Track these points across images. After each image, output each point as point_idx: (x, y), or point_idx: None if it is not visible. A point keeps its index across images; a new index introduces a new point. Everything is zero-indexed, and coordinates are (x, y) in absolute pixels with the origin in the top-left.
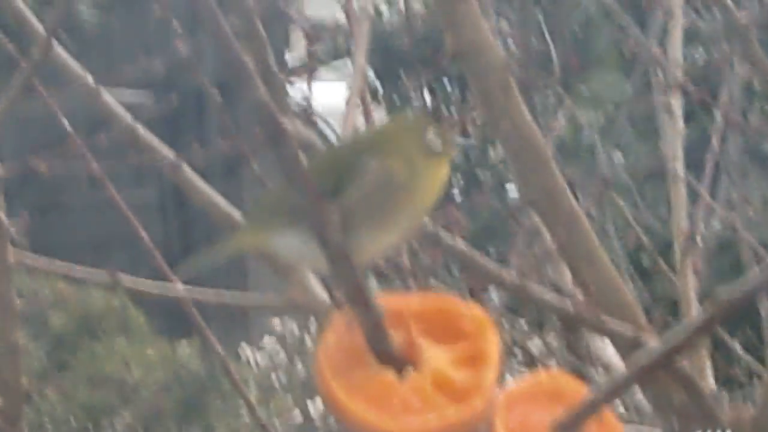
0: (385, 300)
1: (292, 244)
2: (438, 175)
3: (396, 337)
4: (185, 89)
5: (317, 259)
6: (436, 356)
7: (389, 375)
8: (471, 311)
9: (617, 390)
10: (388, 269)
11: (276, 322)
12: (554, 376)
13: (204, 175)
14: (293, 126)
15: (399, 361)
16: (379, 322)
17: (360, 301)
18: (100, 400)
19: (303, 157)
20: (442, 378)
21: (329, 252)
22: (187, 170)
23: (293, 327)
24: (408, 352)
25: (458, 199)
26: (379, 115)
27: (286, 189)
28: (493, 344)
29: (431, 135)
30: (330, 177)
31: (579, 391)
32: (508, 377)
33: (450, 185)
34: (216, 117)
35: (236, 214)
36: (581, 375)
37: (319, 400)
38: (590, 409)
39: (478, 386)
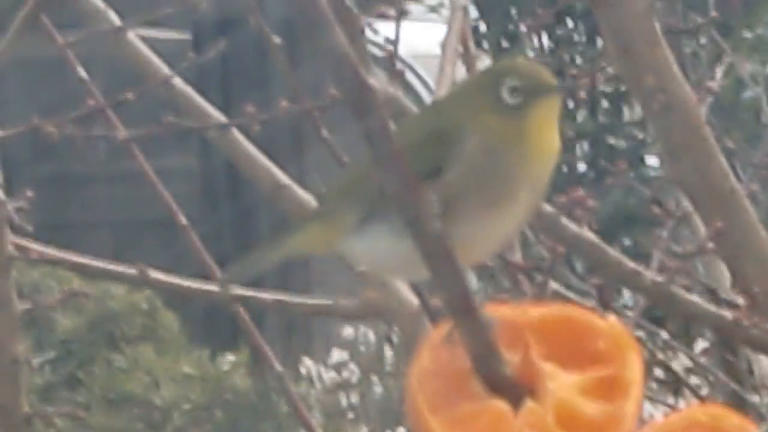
0: (497, 311)
1: (376, 244)
2: (538, 132)
3: (510, 359)
4: (237, 33)
5: (410, 264)
6: (562, 383)
7: (501, 407)
8: (607, 325)
9: None
10: (494, 268)
11: (348, 331)
12: (713, 410)
13: (261, 146)
14: (380, 84)
15: (514, 390)
16: (490, 340)
17: (465, 311)
18: (121, 426)
19: (392, 127)
20: (568, 411)
21: (427, 247)
22: (239, 137)
23: (369, 337)
24: (525, 377)
25: (585, 174)
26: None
27: (367, 169)
28: (635, 369)
29: (509, 85)
30: (421, 154)
31: (744, 430)
32: (648, 407)
33: (575, 157)
34: (277, 71)
35: (303, 196)
36: (741, 404)
37: (401, 430)
38: None
39: (614, 422)
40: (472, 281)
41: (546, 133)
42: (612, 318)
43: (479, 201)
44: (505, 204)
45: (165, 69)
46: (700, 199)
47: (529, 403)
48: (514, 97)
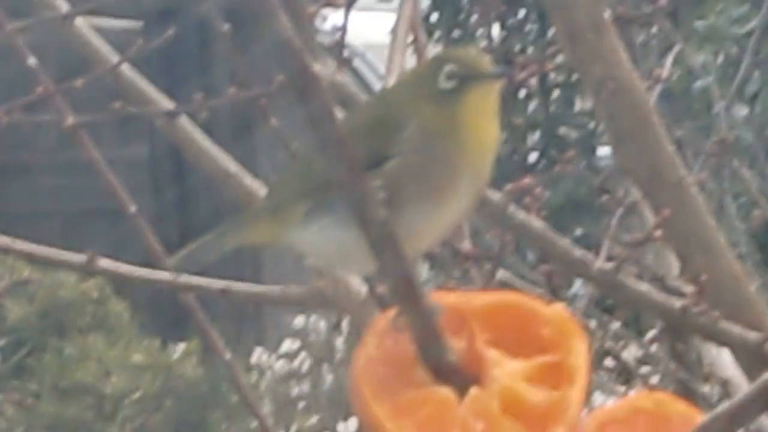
0: (442, 298)
1: (322, 235)
2: (474, 116)
3: (456, 346)
4: (185, 20)
5: (356, 255)
6: (507, 370)
7: (446, 394)
8: (552, 312)
9: (740, 416)
10: (443, 256)
11: (298, 320)
12: (658, 397)
13: (208, 132)
14: (326, 70)
15: (459, 377)
16: (435, 327)
17: (410, 298)
18: (71, 415)
19: (337, 113)
20: (513, 398)
21: (371, 234)
22: (186, 124)
23: (320, 327)
24: (470, 364)
25: (535, 164)
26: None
27: (312, 159)
28: (580, 356)
29: (447, 70)
30: (368, 145)
31: (689, 417)
32: (597, 396)
33: (525, 147)
34: (224, 57)
35: (250, 184)
36: (690, 393)
37: (352, 421)
38: None
39: (559, 409)
40: (421, 270)
41: (482, 120)
42: (557, 305)
43: (420, 188)
44: (445, 191)
45: (113, 57)
46: (649, 187)
47: (474, 390)
48: (449, 82)
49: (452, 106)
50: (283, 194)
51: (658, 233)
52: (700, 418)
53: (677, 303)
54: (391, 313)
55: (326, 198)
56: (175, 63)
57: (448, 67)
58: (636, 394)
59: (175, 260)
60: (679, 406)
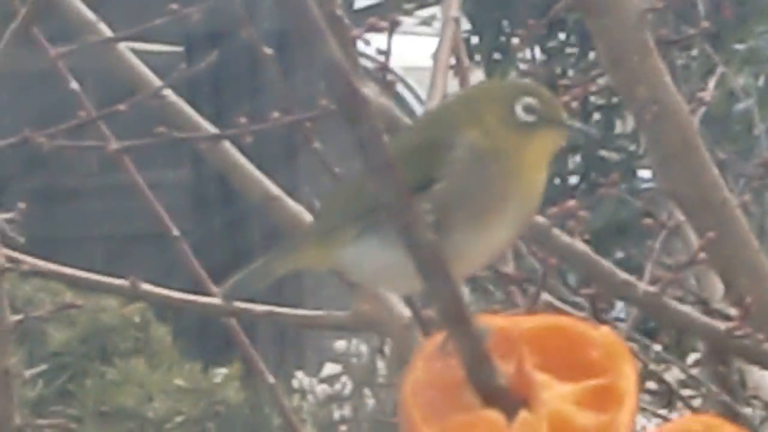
0: (490, 321)
1: (368, 255)
2: (537, 154)
3: (504, 369)
4: (228, 44)
5: (403, 275)
6: (556, 394)
7: (495, 417)
8: (601, 335)
9: None
10: (486, 279)
11: (340, 344)
12: (707, 421)
13: (252, 157)
14: (373, 95)
15: (507, 400)
16: (483, 350)
17: (459, 322)
18: None
19: (385, 137)
20: (563, 421)
21: (420, 257)
22: (230, 148)
23: (362, 351)
24: (519, 388)
25: (576, 187)
26: (477, 76)
27: (358, 182)
28: (628, 379)
29: (526, 102)
30: (415, 167)
31: None
32: (641, 419)
33: (566, 169)
34: (268, 83)
35: (293, 208)
36: (734, 416)
37: None
38: None
39: None
40: (465, 293)
41: (541, 160)
42: (605, 328)
43: (467, 211)
44: (493, 216)
45: (156, 81)
46: (692, 209)
47: (523, 414)
48: (528, 114)
49: (523, 136)
50: (331, 217)
51: (702, 255)
52: None
53: (722, 326)
54: (439, 336)
55: (375, 220)
56: (218, 88)
57: (528, 100)
58: (685, 417)
59: (225, 288)
60: (729, 429)
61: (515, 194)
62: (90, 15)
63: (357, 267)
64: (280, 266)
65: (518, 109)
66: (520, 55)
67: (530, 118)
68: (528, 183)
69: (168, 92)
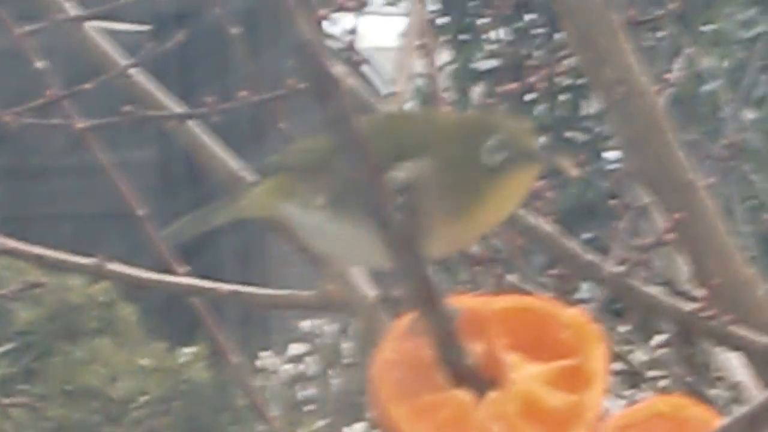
0: (460, 301)
1: (329, 225)
2: (504, 196)
3: (473, 349)
4: (196, 23)
5: (364, 248)
6: (525, 374)
7: (464, 397)
8: (571, 317)
9: (760, 418)
10: (452, 259)
11: (305, 324)
12: (675, 401)
13: (220, 136)
14: (342, 74)
15: (477, 380)
16: (453, 330)
17: (428, 302)
18: (78, 418)
19: (356, 117)
20: (532, 401)
21: (391, 236)
22: (196, 127)
23: (327, 331)
24: (488, 367)
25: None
26: (444, 57)
27: (326, 147)
28: (598, 359)
29: (500, 140)
30: (384, 153)
31: (707, 421)
32: (607, 400)
33: None
34: (236, 61)
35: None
36: (699, 397)
37: (359, 425)
38: None
39: (578, 413)
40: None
41: (510, 199)
42: (576, 309)
43: (431, 215)
44: (449, 230)
45: (124, 60)
46: (659, 191)
47: (492, 394)
48: (493, 156)
49: (488, 180)
50: (291, 170)
51: (669, 236)
52: (718, 421)
53: (688, 306)
54: (409, 316)
55: (341, 191)
56: (185, 67)
57: (493, 140)
58: (654, 398)
59: (173, 228)
60: (697, 410)
61: (470, 223)
62: None
63: (317, 234)
64: (229, 211)
65: (483, 152)
66: (487, 35)
67: (494, 160)
68: (486, 217)
69: (135, 71)
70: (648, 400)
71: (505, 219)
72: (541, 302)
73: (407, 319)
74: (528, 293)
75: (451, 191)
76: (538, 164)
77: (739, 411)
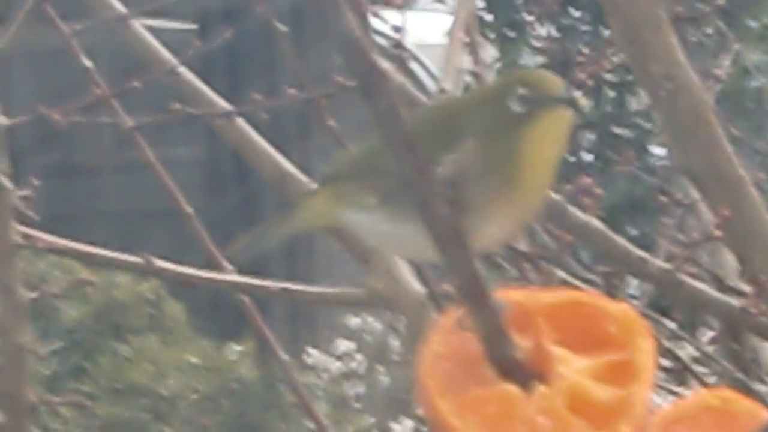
0: (508, 295)
1: (383, 224)
2: (541, 139)
3: (521, 344)
4: (243, 21)
5: (417, 244)
6: (574, 368)
7: (513, 391)
8: (619, 310)
9: None
10: (501, 256)
11: (353, 321)
12: (724, 395)
13: (267, 134)
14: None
15: (525, 374)
16: (500, 324)
17: (476, 296)
18: (127, 416)
19: (403, 113)
20: (579, 396)
21: (437, 232)
22: (244, 125)
23: (375, 327)
24: (536, 362)
25: (590, 164)
26: (490, 52)
27: (375, 149)
28: (646, 354)
29: (517, 94)
30: (425, 150)
31: (756, 414)
32: (654, 396)
33: (579, 146)
34: (283, 60)
35: (306, 182)
36: (748, 393)
37: (406, 421)
38: None
39: (625, 407)
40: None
41: (548, 145)
42: (623, 303)
43: (483, 191)
44: (500, 203)
45: (171, 58)
46: (707, 187)
47: (540, 388)
48: (519, 106)
49: (520, 130)
50: (345, 178)
51: (718, 232)
52: (766, 415)
53: (736, 303)
54: (456, 311)
55: (394, 190)
56: (232, 65)
57: (519, 91)
58: (702, 392)
59: (234, 247)
60: (745, 403)
61: (518, 181)
62: None
63: (373, 234)
64: (289, 224)
65: (511, 104)
66: (533, 32)
67: (522, 109)
68: (531, 169)
69: (182, 69)
70: (697, 394)
71: (552, 169)
72: (589, 297)
73: (455, 314)
74: (576, 289)
75: (495, 158)
76: (567, 106)
77: None
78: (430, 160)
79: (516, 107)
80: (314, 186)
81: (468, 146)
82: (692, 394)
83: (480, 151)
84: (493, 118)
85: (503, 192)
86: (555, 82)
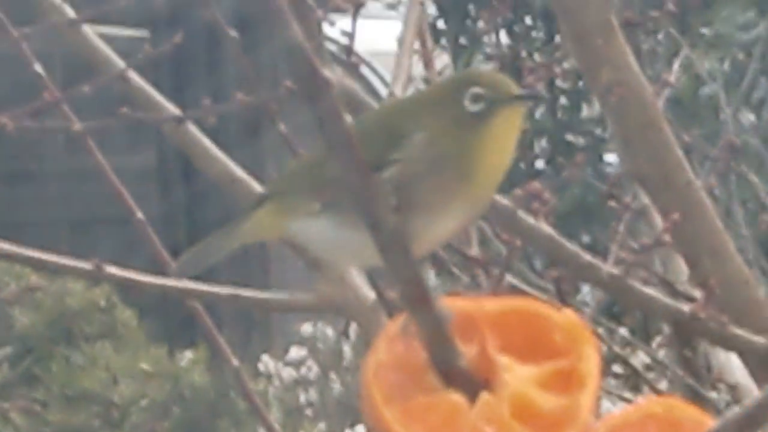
0: (452, 303)
1: (327, 231)
2: (494, 138)
3: (466, 351)
4: (192, 27)
5: (361, 251)
6: (518, 376)
7: (457, 399)
8: (563, 318)
9: (750, 421)
10: (451, 261)
11: (305, 327)
12: (669, 402)
13: (216, 138)
14: (335, 75)
15: (470, 382)
16: (445, 332)
17: (421, 303)
18: (78, 423)
19: (347, 118)
20: (524, 404)
21: (382, 238)
22: (193, 130)
23: (327, 333)
24: (481, 369)
25: (542, 171)
26: (442, 61)
27: (319, 157)
28: (591, 361)
29: (472, 92)
30: (372, 149)
31: (701, 422)
32: (606, 403)
33: (532, 152)
34: (231, 63)
35: (257, 189)
36: (698, 399)
37: (359, 428)
38: None
39: (570, 415)
40: (430, 276)
41: (504, 143)
42: (568, 311)
43: (425, 192)
44: (451, 197)
45: (120, 63)
46: (657, 191)
47: (485, 396)
48: (475, 104)
49: (476, 128)
50: (290, 190)
51: (667, 237)
52: (711, 423)
53: (686, 307)
54: (402, 318)
55: (336, 197)
56: (182, 70)
57: (474, 89)
58: (647, 400)
59: (180, 263)
60: (690, 411)
61: (471, 177)
62: (58, 0)
63: (317, 242)
64: (235, 238)
65: (466, 101)
66: (486, 39)
67: (478, 107)
68: (489, 173)
69: (131, 74)
70: (643, 402)
71: (504, 169)
72: (534, 304)
73: (400, 321)
74: (527, 295)
75: (447, 154)
76: (521, 105)
77: (732, 412)
78: (377, 159)
79: (471, 106)
80: (259, 197)
81: (417, 142)
82: (638, 401)
83: (430, 147)
84: (445, 116)
85: (454, 186)
86: (509, 82)
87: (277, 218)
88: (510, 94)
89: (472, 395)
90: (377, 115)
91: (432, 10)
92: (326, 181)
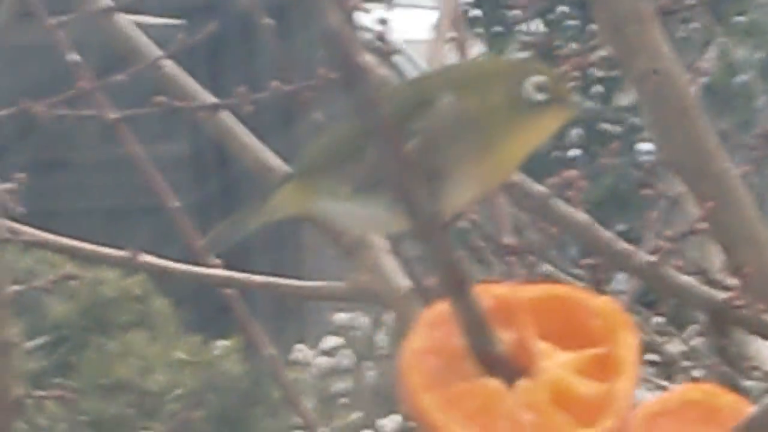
0: (490, 290)
1: (357, 210)
2: (533, 129)
3: (504, 338)
4: (227, 16)
5: (391, 224)
6: (556, 362)
7: (495, 386)
8: (601, 304)
9: None
10: (486, 250)
11: (340, 317)
12: (707, 389)
13: (251, 126)
14: (372, 64)
15: (508, 369)
16: (483, 318)
17: (459, 289)
18: (113, 412)
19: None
20: (563, 390)
21: (420, 226)
22: (228, 118)
23: (362, 323)
24: (519, 356)
25: (576, 160)
26: (477, 49)
27: (348, 136)
28: (629, 348)
29: (537, 81)
30: (401, 116)
31: (739, 408)
32: (641, 390)
33: (566, 141)
34: (267, 51)
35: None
36: (734, 388)
37: (393, 417)
38: None
39: (609, 401)
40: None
41: (539, 134)
42: (606, 297)
43: (445, 162)
44: (470, 165)
45: (155, 51)
46: (692, 179)
47: (523, 382)
48: (538, 93)
49: (524, 113)
50: (319, 166)
51: (702, 225)
52: (750, 408)
53: (721, 295)
54: (440, 304)
55: (371, 180)
56: (217, 58)
57: (538, 79)
58: (685, 386)
59: (208, 238)
60: (728, 398)
61: (496, 150)
62: None
63: (351, 222)
64: (261, 214)
65: (528, 87)
66: (519, 27)
67: (540, 97)
68: (513, 147)
69: (166, 62)
70: (679, 389)
71: (522, 160)
72: (572, 290)
73: (437, 307)
74: (561, 283)
75: (476, 121)
76: (573, 109)
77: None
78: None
79: (533, 93)
80: (287, 174)
81: (446, 103)
82: (675, 388)
83: (460, 110)
84: (493, 92)
85: (481, 153)
86: (568, 85)
87: (305, 195)
88: (569, 96)
89: (511, 382)
90: (409, 86)
91: None
92: (358, 162)
